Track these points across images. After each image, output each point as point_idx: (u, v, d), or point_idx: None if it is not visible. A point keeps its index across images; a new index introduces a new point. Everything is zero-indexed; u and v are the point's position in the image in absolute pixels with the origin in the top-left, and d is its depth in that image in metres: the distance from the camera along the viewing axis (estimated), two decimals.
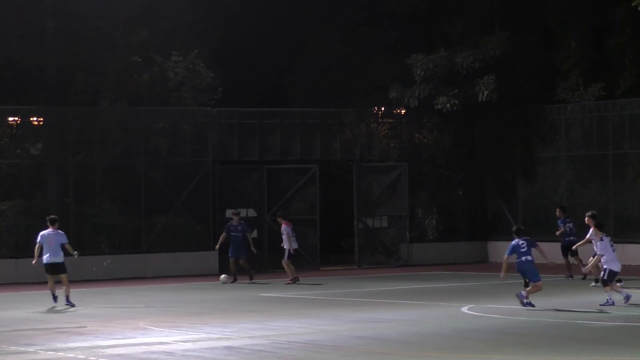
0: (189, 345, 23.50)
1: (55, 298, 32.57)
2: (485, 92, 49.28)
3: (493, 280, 37.52)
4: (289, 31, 50.63)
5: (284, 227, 39.67)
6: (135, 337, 25.03)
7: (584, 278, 36.64)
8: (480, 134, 50.71)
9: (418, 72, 50.39)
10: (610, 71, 52.29)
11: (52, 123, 45.15)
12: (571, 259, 38.19)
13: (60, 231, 32.78)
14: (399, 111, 52.30)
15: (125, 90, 46.06)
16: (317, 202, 47.49)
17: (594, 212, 32.48)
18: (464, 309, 29.64)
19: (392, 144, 51.72)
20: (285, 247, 39.33)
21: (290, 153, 47.85)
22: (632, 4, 48.33)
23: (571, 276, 38.26)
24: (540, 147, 51.00)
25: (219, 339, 24.44)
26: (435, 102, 50.13)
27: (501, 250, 42.32)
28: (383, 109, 52.72)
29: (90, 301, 33.99)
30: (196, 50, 47.51)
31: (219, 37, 49.22)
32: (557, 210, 35.43)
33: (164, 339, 24.67)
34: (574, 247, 35.67)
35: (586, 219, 32.23)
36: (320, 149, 48.55)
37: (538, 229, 40.52)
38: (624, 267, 42.17)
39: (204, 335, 25.18)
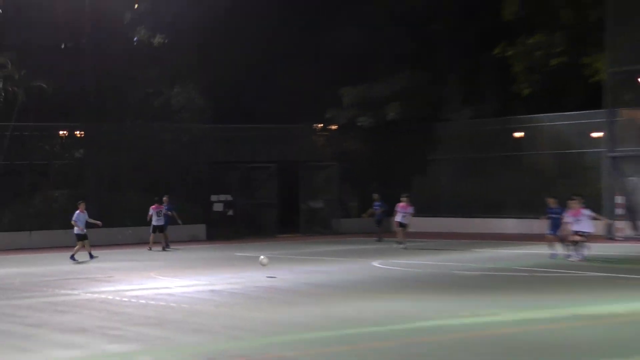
0: (185, 289, 23.54)
1: (91, 256, 32.67)
2: (392, 114, 49.75)
3: (392, 244, 37.76)
4: (260, 67, 50.66)
5: None
6: (147, 284, 25.08)
7: None
8: (389, 143, 50.85)
9: (346, 99, 50.81)
10: (479, 99, 52.73)
11: (91, 135, 45.32)
12: None
13: (85, 211, 33.09)
14: (332, 127, 52.81)
15: (142, 112, 46.17)
16: (276, 191, 47.81)
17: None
18: (375, 263, 29.79)
19: (327, 150, 51.98)
20: None
21: (258, 156, 47.99)
22: (495, 53, 48.99)
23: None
24: (430, 152, 51.30)
25: (206, 284, 24.46)
26: (357, 121, 50.58)
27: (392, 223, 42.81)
28: (321, 125, 53.19)
29: (117, 259, 33.98)
30: (191, 84, 47.99)
31: (209, 73, 49.21)
32: (549, 199, 31.55)
33: (167, 285, 24.68)
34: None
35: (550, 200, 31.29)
36: (279, 154, 48.78)
37: (426, 210, 40.64)
38: (489, 235, 42.79)
39: (195, 282, 25.16)
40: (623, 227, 38.90)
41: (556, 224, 30.22)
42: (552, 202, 30.90)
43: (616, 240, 37.94)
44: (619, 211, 38.98)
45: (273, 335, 15.91)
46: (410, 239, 37.06)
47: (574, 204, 28.90)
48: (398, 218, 36.66)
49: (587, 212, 29.54)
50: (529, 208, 43.71)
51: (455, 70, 53.63)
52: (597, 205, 39.98)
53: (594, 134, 43.72)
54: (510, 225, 45.65)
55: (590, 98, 45.62)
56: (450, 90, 53.74)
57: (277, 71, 51.18)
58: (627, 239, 38.04)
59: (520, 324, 16.71)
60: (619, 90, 41.04)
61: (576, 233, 28.57)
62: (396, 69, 51.38)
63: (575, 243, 28.50)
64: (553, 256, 29.64)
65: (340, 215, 50.25)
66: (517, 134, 48.39)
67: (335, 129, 53.04)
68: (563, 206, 29.71)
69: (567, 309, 18.39)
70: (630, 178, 40.04)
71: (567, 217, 28.71)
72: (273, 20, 50.96)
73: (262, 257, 24.70)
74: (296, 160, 49.43)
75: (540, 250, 31.50)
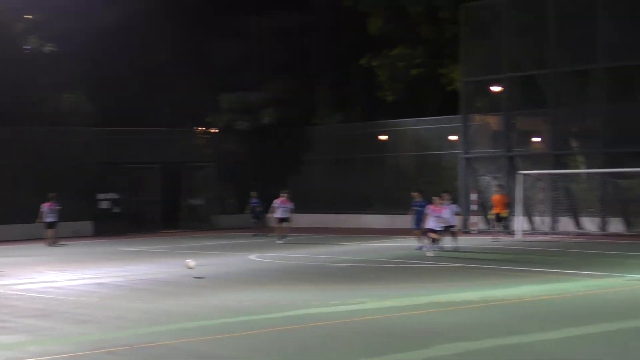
0: (72, 283, 23.07)
1: None
2: (267, 119, 49.79)
3: (268, 238, 37.73)
4: (145, 74, 50.11)
5: None
6: (36, 278, 24.49)
7: None
8: (265, 145, 50.79)
9: (225, 105, 50.61)
10: (348, 105, 53.19)
11: None
12: None
13: None
14: (212, 130, 52.51)
15: (34, 116, 45.08)
16: (159, 190, 47.26)
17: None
18: (252, 257, 29.67)
19: (207, 152, 51.64)
20: None
21: (143, 158, 47.31)
22: (361, 63, 49.43)
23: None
24: (303, 153, 51.45)
25: (92, 277, 24.06)
26: (235, 124, 50.41)
27: (270, 219, 42.79)
28: (202, 128, 52.86)
29: (6, 254, 33.16)
30: (80, 91, 47.25)
31: (98, 80, 48.46)
32: (414, 193, 31.63)
33: (55, 278, 24.15)
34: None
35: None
36: (163, 155, 48.21)
37: (300, 206, 40.63)
38: (358, 230, 43.09)
39: (82, 276, 24.72)
40: (477, 221, 39.58)
41: (420, 218, 30.56)
42: (416, 196, 31.22)
43: (471, 233, 38.59)
44: (473, 207, 39.68)
45: (155, 324, 15.66)
46: (286, 234, 36.98)
47: (441, 200, 29.09)
48: (278, 214, 36.50)
49: (454, 207, 30.04)
50: (393, 204, 44.26)
51: (326, 78, 54.17)
52: (454, 201, 40.64)
53: (451, 137, 44.44)
54: (376, 220, 46.08)
55: (447, 105, 46.43)
56: (321, 97, 54.24)
57: (162, 78, 50.81)
58: (480, 232, 38.72)
59: (384, 311, 16.81)
60: (472, 98, 41.80)
61: (434, 230, 28.38)
62: (271, 77, 51.47)
63: (433, 239, 28.39)
64: (419, 248, 29.96)
65: (219, 211, 50.03)
66: (382, 137, 48.91)
67: (215, 132, 52.77)
68: (427, 200, 30.04)
69: (426, 296, 18.58)
70: (483, 177, 40.81)
71: (432, 212, 28.38)
72: (158, 31, 50.52)
73: (188, 260, 23.75)
74: (178, 161, 49.02)
75: (404, 243, 31.81)
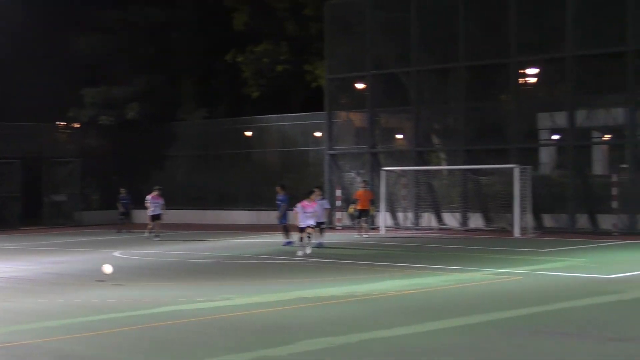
0: None
1: None
2: (132, 113, 49.18)
3: (133, 235, 37.29)
4: (6, 68, 48.76)
5: None
6: None
7: None
8: (129, 140, 50.10)
9: (88, 99, 49.74)
10: (213, 101, 52.97)
11: None
12: None
13: None
14: (75, 125, 51.52)
15: None
16: (19, 185, 46.05)
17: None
18: (116, 253, 29.24)
19: (70, 147, 50.66)
20: None
21: (2, 152, 45.93)
22: (226, 58, 49.29)
23: None
24: (167, 149, 51.01)
25: None
26: (99, 119, 49.62)
27: (137, 215, 42.40)
28: (65, 123, 51.76)
29: None
30: None
31: None
32: (278, 188, 31.75)
33: None
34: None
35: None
36: (23, 150, 47.04)
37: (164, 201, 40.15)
38: (223, 226, 42.95)
39: None
40: (341, 217, 39.96)
41: (285, 212, 30.67)
42: (279, 190, 31.31)
43: (336, 229, 38.93)
44: (339, 203, 40.04)
45: (16, 323, 15.29)
46: (158, 231, 36.48)
47: (315, 196, 28.60)
48: (151, 210, 35.81)
49: (324, 203, 30.14)
50: (258, 200, 44.35)
51: (191, 74, 53.82)
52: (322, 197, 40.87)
53: (316, 134, 44.75)
54: (241, 216, 46.04)
55: (312, 101, 46.75)
56: (186, 92, 53.79)
57: (23, 71, 49.49)
58: (345, 228, 39.10)
59: (250, 307, 16.82)
60: (336, 95, 42.17)
61: (309, 226, 27.35)
62: (136, 71, 50.80)
63: (308, 235, 27.30)
64: (288, 244, 30.00)
65: (83, 207, 49.10)
66: (248, 133, 48.89)
67: (77, 127, 51.75)
68: (291, 196, 30.08)
69: (293, 292, 18.66)
70: (348, 173, 41.23)
71: (303, 208, 27.38)
72: (19, 23, 49.20)
73: (106, 266, 21.89)
74: (40, 156, 47.89)
75: (270, 239, 31.87)
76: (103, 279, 20.92)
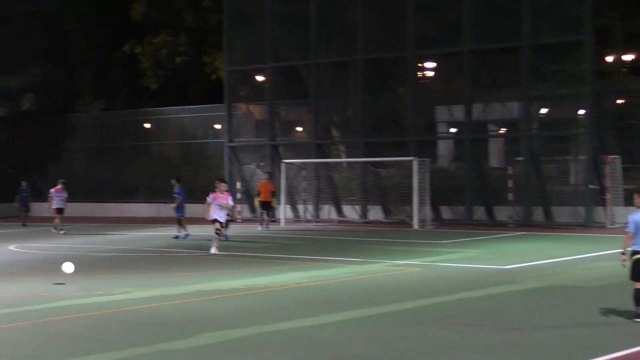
0: None
1: None
2: (27, 105, 48.25)
3: (29, 228, 36.59)
4: None
5: None
6: None
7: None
8: (25, 131, 49.18)
9: None
10: (111, 92, 52.35)
11: None
12: None
13: None
14: None
15: None
16: None
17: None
18: (11, 247, 28.69)
19: None
20: None
21: None
22: (124, 50, 48.72)
23: None
24: (65, 141, 50.21)
25: None
26: None
27: (35, 208, 41.65)
28: None
29: None
30: None
31: None
32: (173, 180, 31.02)
33: None
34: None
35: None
36: None
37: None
38: (122, 219, 42.47)
39: None
40: (241, 210, 39.86)
41: (181, 205, 30.47)
42: (175, 183, 31.03)
43: (237, 221, 38.79)
44: (239, 195, 39.91)
45: None
46: (47, 224, 35.86)
47: (222, 187, 26.27)
48: (55, 204, 34.95)
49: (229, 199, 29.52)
50: (157, 193, 43.95)
51: (88, 65, 53.01)
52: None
53: (216, 126, 44.54)
54: (141, 209, 45.58)
55: (212, 93, 46.53)
56: (83, 83, 53.01)
57: None
58: (245, 220, 39.04)
59: (149, 301, 16.68)
60: (236, 87, 42.02)
61: (217, 220, 25.68)
62: (31, 62, 49.73)
63: (217, 232, 25.56)
64: (185, 236, 29.86)
65: None
66: (146, 125, 48.40)
67: None
68: (188, 188, 29.79)
69: (193, 285, 18.58)
70: (248, 165, 41.14)
71: (215, 200, 25.79)
72: None
73: (66, 264, 20.13)
74: None
75: (169, 232, 31.62)
76: (61, 281, 19.34)
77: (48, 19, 51.63)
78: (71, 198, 36.90)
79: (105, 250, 27.26)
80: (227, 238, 28.52)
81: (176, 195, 30.84)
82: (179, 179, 31.55)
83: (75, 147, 50.22)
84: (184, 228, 30.43)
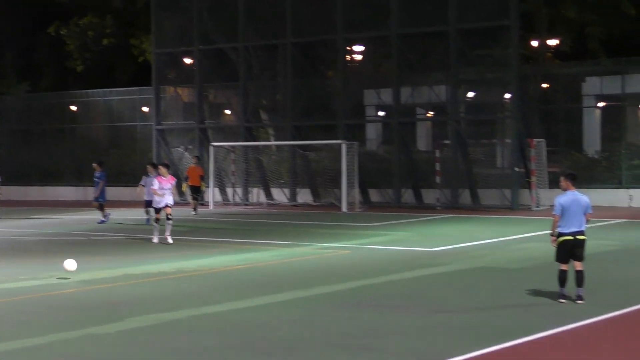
0: None
1: None
2: None
3: None
4: None
5: None
6: None
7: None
8: None
9: None
10: (36, 74, 51.59)
11: None
12: None
13: None
14: None
15: None
16: None
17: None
18: None
19: None
20: None
21: None
22: (49, 31, 47.99)
23: None
24: None
25: None
26: None
27: None
28: None
29: None
30: None
31: None
32: (95, 165, 30.01)
33: None
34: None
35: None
36: None
37: None
38: (48, 202, 41.85)
39: None
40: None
41: (103, 189, 29.91)
42: (97, 167, 30.38)
43: None
44: None
45: None
46: None
47: (163, 171, 24.48)
48: None
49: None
50: (84, 176, 43.39)
51: (11, 47, 52.06)
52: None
53: (144, 109, 44.14)
54: (67, 192, 45.01)
55: (139, 76, 46.11)
56: (7, 65, 52.09)
57: None
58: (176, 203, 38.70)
59: (77, 285, 16.53)
60: (164, 69, 41.62)
61: (167, 205, 24.06)
62: None
63: (169, 217, 23.78)
64: (105, 220, 29.56)
65: None
66: (73, 108, 47.74)
67: None
68: (112, 172, 29.20)
69: (121, 269, 18.45)
70: (176, 149, 40.84)
71: (160, 183, 24.04)
72: None
73: (68, 262, 18.36)
74: None
75: (96, 216, 31.26)
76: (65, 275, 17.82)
77: None
78: None
79: (30, 234, 26.89)
80: (148, 222, 27.47)
81: (97, 180, 30.20)
82: (101, 163, 30.96)
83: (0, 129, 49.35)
84: (104, 212, 29.96)
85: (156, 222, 24.02)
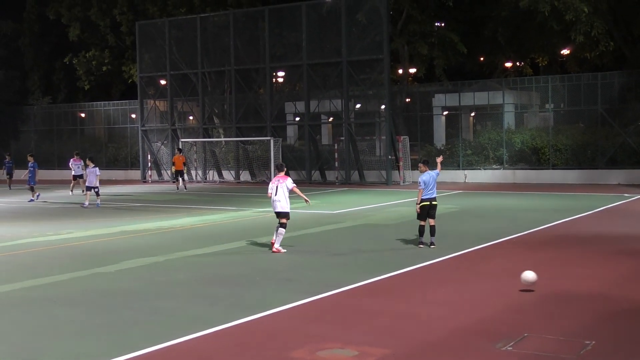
0: None
1: None
2: None
3: (12, 190, 34.75)
4: None
5: None
6: None
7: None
8: None
9: None
10: (55, 91, 50.00)
11: None
12: None
13: None
14: None
15: None
16: None
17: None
18: None
19: None
20: None
21: None
22: (65, 60, 46.36)
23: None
24: (21, 125, 47.80)
25: None
26: None
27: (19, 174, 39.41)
28: None
29: None
30: None
31: None
32: (29, 157, 27.62)
33: None
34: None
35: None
36: None
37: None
38: (60, 181, 40.59)
39: None
40: (151, 174, 39.01)
41: (32, 175, 26.71)
42: (30, 159, 27.33)
43: (147, 182, 37.99)
44: (149, 164, 38.98)
45: None
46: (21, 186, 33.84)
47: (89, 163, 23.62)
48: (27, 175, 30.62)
49: (96, 170, 23.87)
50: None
51: (38, 71, 50.62)
52: (136, 162, 39.96)
53: (133, 115, 43.26)
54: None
55: (129, 92, 45.11)
56: (34, 84, 50.59)
57: None
58: (154, 182, 38.24)
59: (87, 238, 16.21)
60: (146, 88, 40.80)
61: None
62: None
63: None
64: (32, 200, 26.51)
65: None
66: (82, 114, 46.52)
67: None
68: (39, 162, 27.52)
69: (118, 227, 18.14)
70: (155, 143, 40.14)
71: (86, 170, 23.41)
72: None
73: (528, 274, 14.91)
74: None
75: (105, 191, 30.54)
76: None
77: (6, 36, 49.11)
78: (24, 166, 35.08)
79: (49, 204, 26.17)
80: (98, 206, 23.61)
81: (31, 169, 26.89)
82: (33, 155, 28.31)
83: (29, 130, 47.89)
84: (35, 193, 27.03)
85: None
